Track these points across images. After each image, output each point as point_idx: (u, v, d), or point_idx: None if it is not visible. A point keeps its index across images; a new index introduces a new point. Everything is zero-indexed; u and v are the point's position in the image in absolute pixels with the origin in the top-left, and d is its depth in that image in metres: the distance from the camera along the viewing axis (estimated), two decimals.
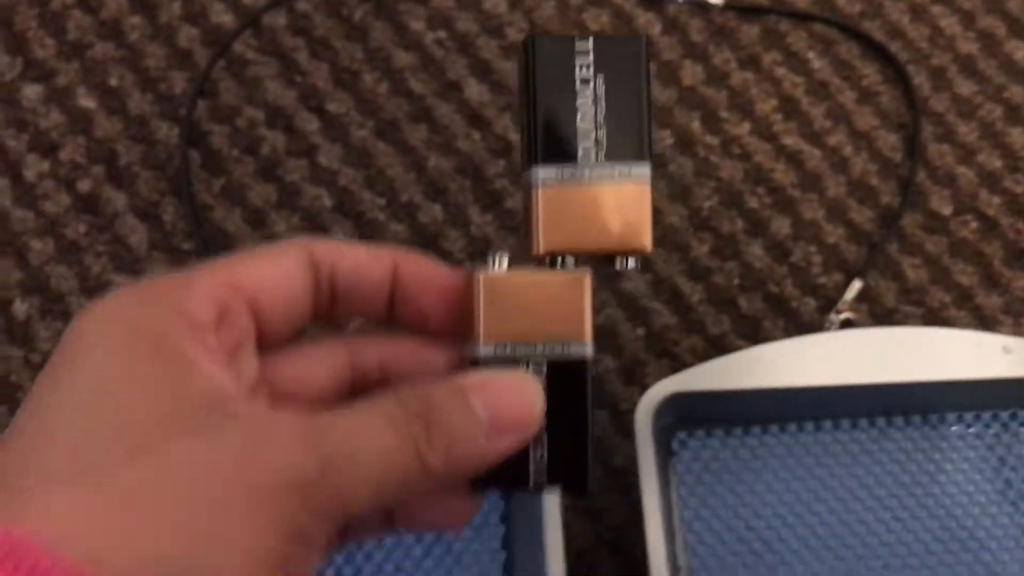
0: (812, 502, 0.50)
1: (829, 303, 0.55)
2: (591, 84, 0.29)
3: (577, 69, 0.29)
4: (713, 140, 0.57)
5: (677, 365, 0.53)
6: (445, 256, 0.53)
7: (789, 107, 0.58)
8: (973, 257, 0.56)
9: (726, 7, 0.59)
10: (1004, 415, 0.52)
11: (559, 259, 0.30)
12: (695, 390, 0.48)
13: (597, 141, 0.29)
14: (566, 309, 0.28)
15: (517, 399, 0.26)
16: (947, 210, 0.57)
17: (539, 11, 0.58)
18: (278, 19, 0.57)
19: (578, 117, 0.29)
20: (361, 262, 0.28)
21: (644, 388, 0.52)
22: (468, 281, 0.28)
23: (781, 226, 0.56)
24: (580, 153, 0.29)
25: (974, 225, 0.57)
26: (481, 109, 0.56)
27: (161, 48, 0.55)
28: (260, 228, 0.53)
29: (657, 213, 0.55)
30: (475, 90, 0.56)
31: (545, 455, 0.28)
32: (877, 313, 0.55)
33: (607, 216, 0.29)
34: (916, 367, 0.50)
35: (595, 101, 0.29)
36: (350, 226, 0.54)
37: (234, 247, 0.53)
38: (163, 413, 0.22)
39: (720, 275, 0.55)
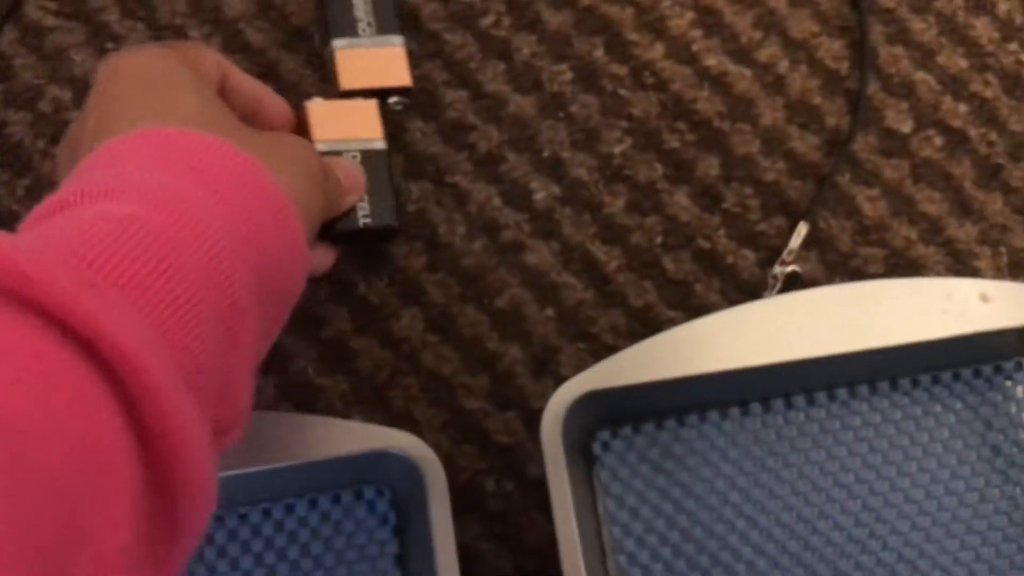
0: (765, 500, 0.42)
1: (772, 254, 0.46)
2: None
3: None
4: (621, 70, 0.47)
5: (596, 349, 0.44)
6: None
7: (709, 20, 0.48)
8: (940, 181, 0.47)
9: None
10: (986, 369, 0.44)
11: (355, 96, 0.44)
12: (615, 386, 0.40)
13: (368, 23, 0.45)
14: (366, 121, 0.43)
15: (355, 171, 0.41)
16: (906, 127, 0.48)
17: None
18: None
19: (355, 10, 0.45)
20: (256, 94, 0.40)
21: (559, 380, 0.44)
22: (303, 111, 0.43)
23: (709, 167, 0.47)
24: (359, 30, 0.45)
25: (939, 142, 0.48)
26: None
27: None
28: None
29: (559, 165, 0.46)
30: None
31: (368, 210, 0.42)
32: (830, 260, 0.46)
33: (379, 67, 0.45)
34: (880, 330, 0.42)
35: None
36: None
37: None
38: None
39: (640, 234, 0.46)
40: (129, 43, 0.46)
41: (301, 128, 0.43)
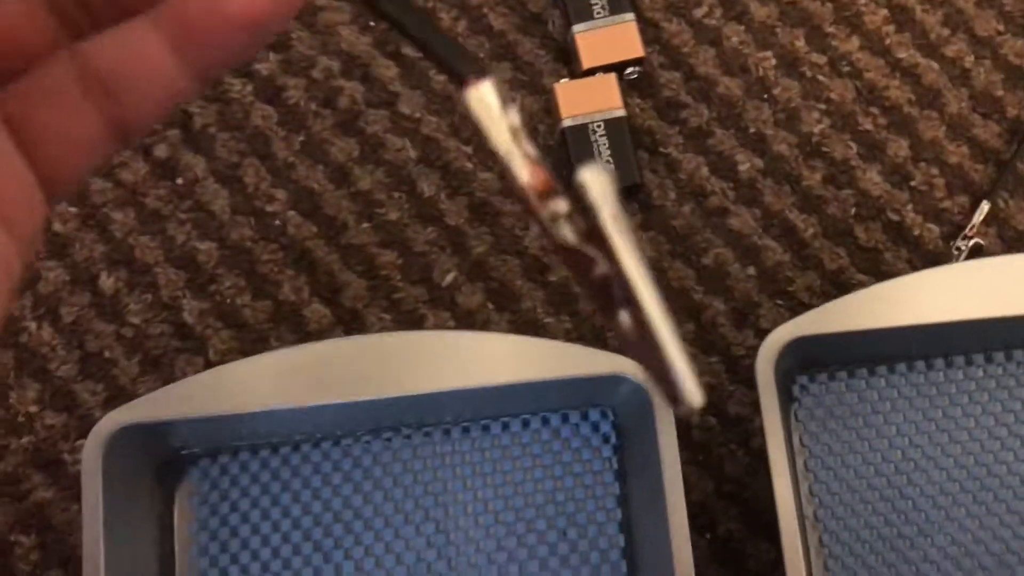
0: (946, 443, 0.47)
1: (955, 229, 0.50)
2: None
3: None
4: (820, 59, 0.53)
5: (793, 305, 0.50)
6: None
7: (901, 16, 0.53)
8: None
9: None
10: None
11: (596, 72, 0.51)
12: (816, 334, 0.45)
13: (602, 6, 0.51)
14: (606, 94, 0.50)
15: None
16: None
17: None
18: None
19: None
20: None
21: (758, 332, 0.49)
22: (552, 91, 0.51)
23: (899, 148, 0.52)
24: (594, 13, 0.51)
25: None
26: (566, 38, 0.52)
27: None
28: (344, 185, 0.51)
29: (762, 141, 0.52)
30: (561, 19, 0.53)
31: (614, 171, 0.49)
32: (1008, 237, 0.51)
33: (615, 44, 0.51)
34: None
35: None
36: (437, 177, 0.51)
37: (320, 206, 0.51)
38: None
39: (835, 205, 0.51)
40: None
41: (551, 107, 0.50)
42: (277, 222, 0.50)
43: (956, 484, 0.46)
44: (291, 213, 0.51)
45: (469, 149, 0.51)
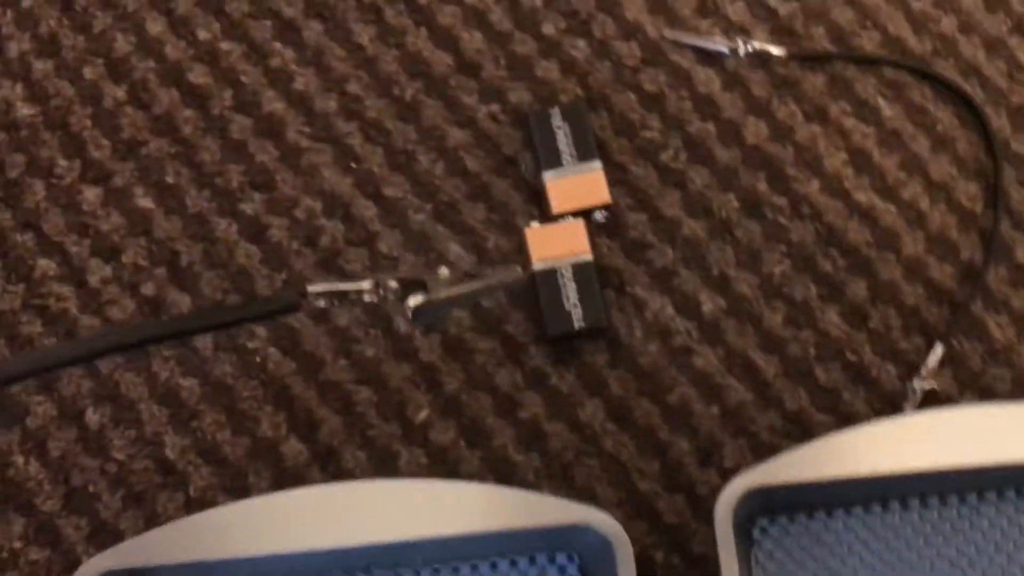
0: None
1: (911, 369, 0.52)
2: (562, 128, 0.55)
3: (553, 121, 0.55)
4: (781, 201, 0.55)
5: (755, 445, 0.51)
6: (509, 338, 0.53)
7: (860, 160, 0.56)
8: None
9: (789, 57, 0.56)
10: None
11: (565, 216, 0.54)
12: (778, 483, 0.47)
13: (571, 154, 0.54)
14: (575, 239, 0.52)
15: None
16: None
17: (594, 76, 0.56)
18: (330, 103, 0.56)
19: (558, 144, 0.54)
20: None
21: (722, 471, 0.51)
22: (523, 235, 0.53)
23: (857, 289, 0.54)
24: (563, 161, 0.54)
25: None
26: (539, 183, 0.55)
27: (215, 141, 0.55)
28: (322, 323, 0.53)
29: (725, 282, 0.54)
30: (532, 164, 0.55)
31: (581, 314, 0.51)
32: (962, 378, 0.52)
33: (583, 190, 0.54)
34: (1014, 447, 0.48)
35: (565, 135, 0.54)
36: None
37: (299, 343, 0.53)
38: None
39: (795, 345, 0.53)
40: (370, 164, 0.55)
41: (523, 249, 0.52)
42: (258, 359, 0.52)
43: None
44: (271, 350, 0.52)
45: None
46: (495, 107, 0.56)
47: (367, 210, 0.54)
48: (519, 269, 0.50)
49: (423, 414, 0.52)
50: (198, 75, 0.56)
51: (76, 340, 0.52)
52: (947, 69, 0.57)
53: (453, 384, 0.52)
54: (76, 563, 0.43)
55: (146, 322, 0.51)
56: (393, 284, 0.43)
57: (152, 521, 0.50)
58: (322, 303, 0.42)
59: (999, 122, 0.56)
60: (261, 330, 0.52)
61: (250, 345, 0.52)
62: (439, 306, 0.43)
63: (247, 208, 0.54)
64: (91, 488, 0.50)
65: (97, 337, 0.36)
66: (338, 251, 0.54)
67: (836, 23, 0.57)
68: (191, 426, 0.51)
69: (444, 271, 0.44)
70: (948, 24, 0.57)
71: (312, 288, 0.41)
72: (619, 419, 0.52)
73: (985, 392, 0.52)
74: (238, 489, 0.50)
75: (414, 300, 0.43)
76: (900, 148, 0.56)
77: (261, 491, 0.50)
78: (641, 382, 0.52)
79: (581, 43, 0.57)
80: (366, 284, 0.43)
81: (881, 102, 0.56)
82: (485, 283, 0.47)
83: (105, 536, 0.49)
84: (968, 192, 0.55)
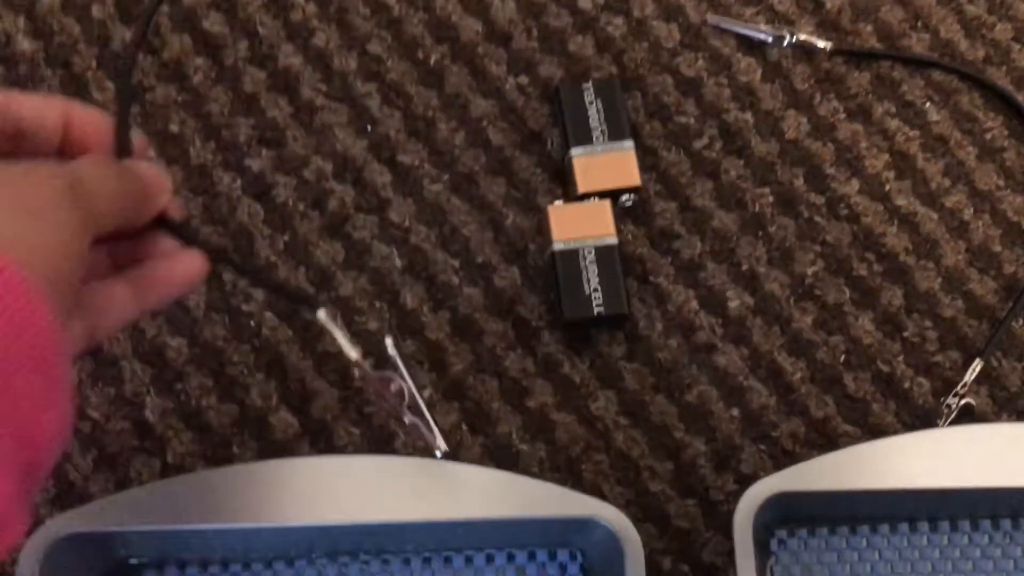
0: None
1: (946, 385, 0.49)
2: (594, 104, 0.51)
3: (585, 96, 0.52)
4: (818, 199, 0.52)
5: (775, 452, 0.48)
6: (522, 321, 0.49)
7: (903, 164, 0.53)
8: None
9: (834, 52, 0.54)
10: None
11: (590, 197, 0.50)
12: (801, 490, 0.43)
13: (602, 131, 0.51)
14: (599, 220, 0.49)
15: (151, 173, 0.36)
16: None
17: (629, 55, 0.54)
18: (349, 61, 0.53)
19: (589, 120, 0.51)
20: (39, 109, 0.35)
21: (738, 476, 0.48)
22: (544, 213, 0.51)
23: (893, 297, 0.51)
24: (593, 138, 0.51)
25: None
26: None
27: (224, 93, 0.52)
28: (325, 290, 0.49)
29: (755, 279, 0.51)
30: (560, 140, 0.52)
31: (601, 299, 0.48)
32: (999, 397, 0.49)
33: (612, 170, 0.50)
34: None
35: (597, 111, 0.51)
36: (421, 288, 0.50)
37: (298, 310, 0.49)
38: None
39: (825, 351, 0.50)
40: (387, 128, 0.52)
41: (543, 228, 0.49)
42: (252, 323, 0.49)
43: None
44: (268, 314, 0.49)
45: (457, 263, 0.50)
46: (523, 79, 0.53)
47: (380, 176, 0.51)
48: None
49: (425, 394, 0.48)
50: (213, 23, 0.53)
51: None
52: (999, 77, 0.54)
53: (459, 365, 0.49)
54: (38, 526, 0.39)
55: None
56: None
57: (124, 486, 0.46)
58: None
59: None
60: (258, 293, 0.49)
61: (245, 308, 0.49)
62: None
63: (253, 164, 0.51)
64: None
65: None
66: (346, 216, 0.51)
67: (885, 21, 0.55)
68: (175, 388, 0.48)
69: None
70: (1002, 31, 0.55)
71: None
72: (633, 415, 0.48)
73: (1023, 414, 0.49)
74: (220, 459, 0.47)
75: None
76: (945, 154, 0.53)
77: (244, 463, 0.46)
78: (659, 377, 0.49)
79: (619, 20, 0.54)
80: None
81: (928, 105, 0.54)
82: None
83: (72, 499, 0.46)
84: (1014, 204, 0.52)
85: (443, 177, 0.52)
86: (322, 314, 0.38)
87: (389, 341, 0.41)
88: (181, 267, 0.37)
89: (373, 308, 0.49)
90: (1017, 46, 0.55)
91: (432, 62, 0.53)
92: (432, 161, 0.52)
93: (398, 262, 0.50)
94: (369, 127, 0.52)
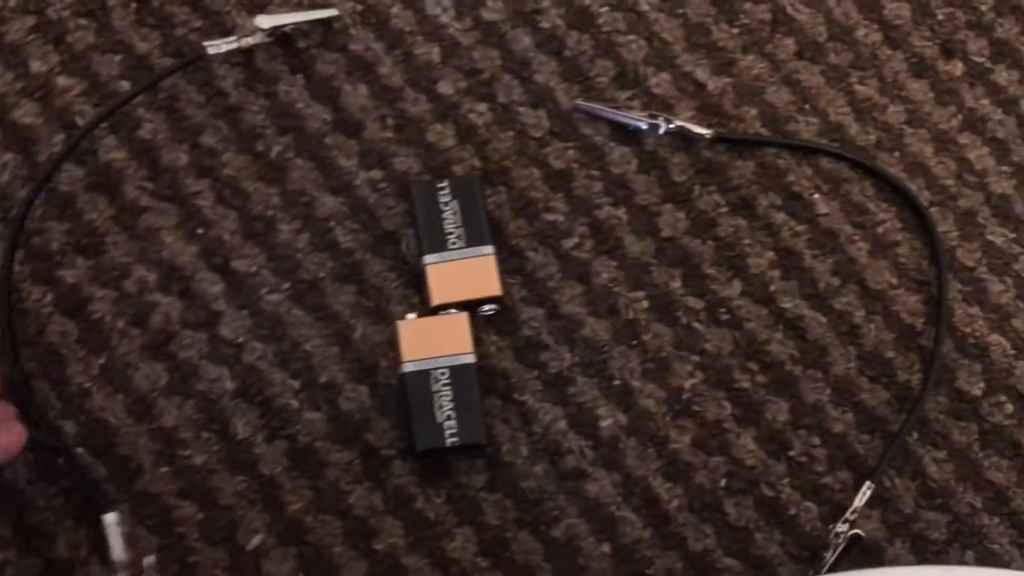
0: None
1: (835, 509, 0.45)
2: (451, 205, 0.46)
3: (440, 197, 0.47)
4: (697, 303, 0.48)
5: None
6: (370, 450, 0.44)
7: (789, 262, 0.49)
8: (1008, 448, 0.47)
9: (715, 139, 0.50)
10: None
11: (447, 308, 0.46)
12: None
13: (459, 236, 0.46)
14: (456, 336, 0.44)
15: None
16: (977, 390, 0.47)
17: (494, 146, 0.49)
18: (179, 156, 0.47)
19: (444, 224, 0.46)
20: None
21: None
22: (394, 328, 0.45)
23: (778, 411, 0.46)
24: (449, 243, 0.46)
25: (1009, 408, 0.47)
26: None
27: None
28: (145, 419, 0.44)
29: (628, 394, 0.46)
30: (415, 242, 0.47)
31: (456, 427, 0.43)
32: (892, 521, 0.45)
33: (470, 278, 0.46)
34: None
35: (454, 214, 0.46)
36: (255, 414, 0.44)
37: (114, 443, 0.44)
38: None
39: (704, 474, 0.45)
40: (220, 230, 0.47)
41: (393, 345, 0.45)
42: (61, 460, 0.43)
43: None
44: (79, 450, 0.43)
45: (297, 383, 0.45)
46: (376, 173, 0.48)
47: (211, 285, 0.46)
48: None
49: (257, 539, 0.43)
50: (25, 114, 0.47)
51: None
52: (891, 163, 0.51)
53: (297, 504, 0.44)
54: None
55: None
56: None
57: None
58: None
59: (946, 227, 0.50)
60: (70, 424, 0.43)
61: (51, 443, 0.43)
62: None
63: (67, 275, 0.45)
64: None
65: None
66: (172, 334, 0.45)
67: (770, 104, 0.51)
68: None
69: None
70: (894, 114, 0.51)
71: None
72: (493, 555, 0.44)
73: (918, 539, 0.45)
74: None
75: None
76: (835, 250, 0.49)
77: None
78: (523, 511, 0.44)
79: (482, 107, 0.49)
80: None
81: (817, 197, 0.50)
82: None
83: None
84: (908, 305, 0.48)
85: (283, 286, 0.46)
86: (110, 518, 0.38)
87: (111, 517, 0.40)
88: (4, 439, 0.39)
89: (199, 439, 0.44)
90: (910, 130, 0.51)
91: (273, 155, 0.48)
92: (271, 267, 0.47)
93: (229, 385, 0.45)
94: (200, 230, 0.47)
